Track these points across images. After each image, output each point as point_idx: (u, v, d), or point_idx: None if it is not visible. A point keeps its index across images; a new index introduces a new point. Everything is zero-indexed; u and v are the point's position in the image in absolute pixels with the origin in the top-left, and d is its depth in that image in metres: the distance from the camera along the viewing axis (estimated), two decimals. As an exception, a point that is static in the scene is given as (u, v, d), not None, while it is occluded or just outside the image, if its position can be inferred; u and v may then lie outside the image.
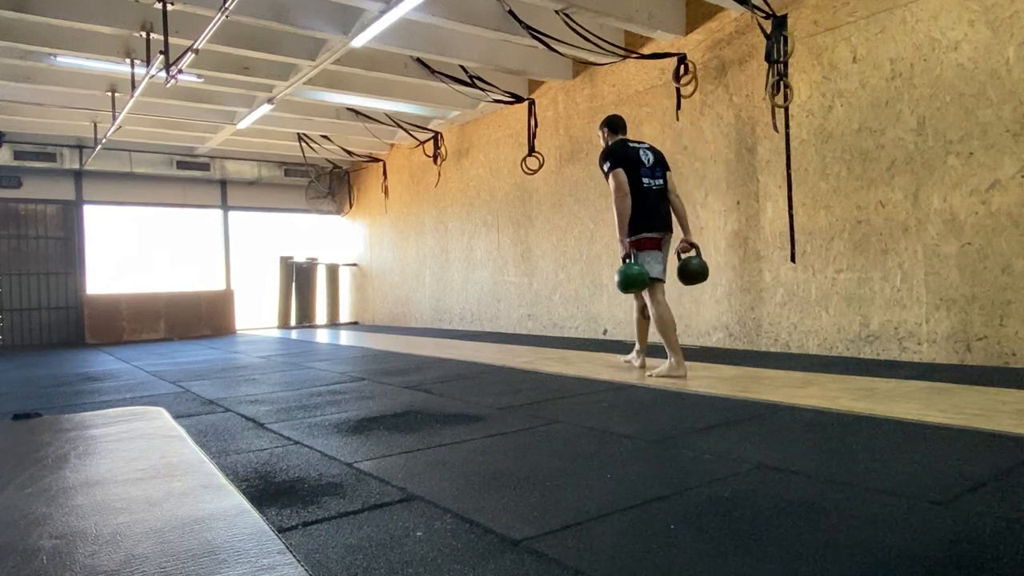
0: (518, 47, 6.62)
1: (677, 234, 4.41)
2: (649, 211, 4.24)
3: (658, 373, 4.26)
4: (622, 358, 5.02)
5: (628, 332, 6.68)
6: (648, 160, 4.34)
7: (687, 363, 4.24)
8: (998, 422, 2.66)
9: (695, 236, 4.83)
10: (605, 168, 4.32)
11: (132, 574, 1.47)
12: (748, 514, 1.79)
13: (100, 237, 10.58)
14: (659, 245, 4.30)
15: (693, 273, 4.36)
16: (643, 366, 4.61)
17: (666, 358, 4.21)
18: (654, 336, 4.39)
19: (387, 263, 11.27)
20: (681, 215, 4.46)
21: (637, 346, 4.73)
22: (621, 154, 4.30)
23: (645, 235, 4.24)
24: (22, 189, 9.73)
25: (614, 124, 4.60)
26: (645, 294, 4.33)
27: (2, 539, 1.71)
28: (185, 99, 7.71)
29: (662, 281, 4.29)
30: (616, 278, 4.18)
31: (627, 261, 4.18)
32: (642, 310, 4.53)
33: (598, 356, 5.44)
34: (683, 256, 4.40)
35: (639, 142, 4.48)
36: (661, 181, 4.35)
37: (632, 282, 4.14)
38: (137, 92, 6.32)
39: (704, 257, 4.54)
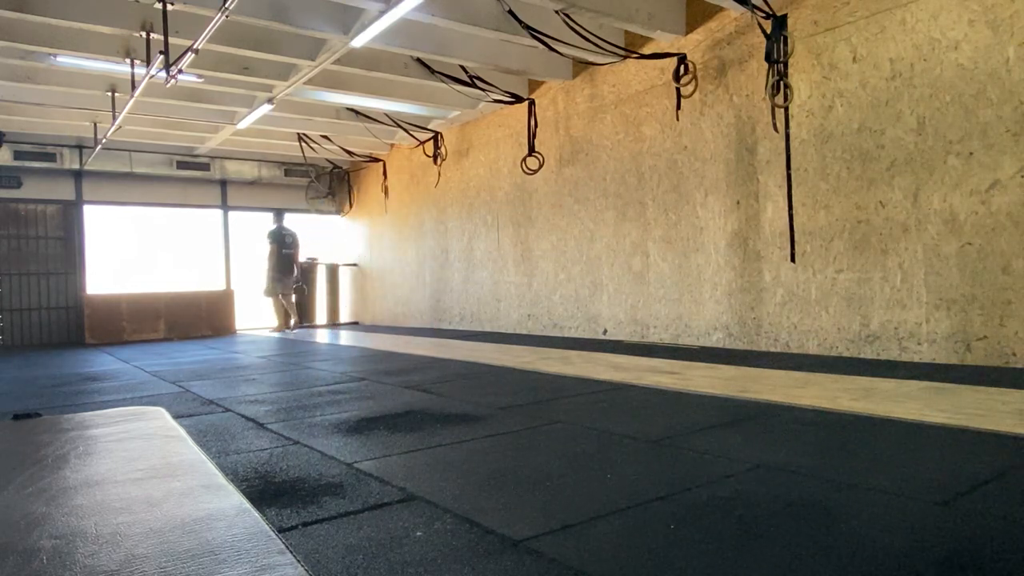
0: (518, 47, 6.62)
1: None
2: (280, 265, 10.21)
3: (274, 328, 10.50)
4: (287, 328, 10.51)
5: (628, 332, 6.68)
6: (289, 241, 10.33)
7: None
8: (998, 422, 2.66)
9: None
10: (267, 242, 10.27)
11: (132, 574, 1.48)
12: (748, 514, 1.79)
13: (100, 237, 10.57)
14: (281, 280, 10.17)
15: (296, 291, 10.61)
16: (292, 327, 10.50)
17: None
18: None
19: (387, 263, 11.27)
20: (298, 267, 10.52)
21: (289, 321, 10.53)
22: (275, 236, 10.24)
23: (276, 275, 10.15)
24: (22, 189, 9.72)
25: (278, 216, 10.54)
26: (282, 298, 10.40)
27: (2, 539, 1.71)
28: (185, 99, 7.71)
29: (281, 294, 10.27)
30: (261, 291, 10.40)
31: (267, 285, 10.27)
32: (283, 306, 10.42)
33: (598, 356, 5.44)
34: (295, 284, 10.47)
35: (287, 229, 10.46)
36: (292, 251, 10.35)
37: (265, 293, 10.36)
38: (137, 92, 6.32)
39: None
